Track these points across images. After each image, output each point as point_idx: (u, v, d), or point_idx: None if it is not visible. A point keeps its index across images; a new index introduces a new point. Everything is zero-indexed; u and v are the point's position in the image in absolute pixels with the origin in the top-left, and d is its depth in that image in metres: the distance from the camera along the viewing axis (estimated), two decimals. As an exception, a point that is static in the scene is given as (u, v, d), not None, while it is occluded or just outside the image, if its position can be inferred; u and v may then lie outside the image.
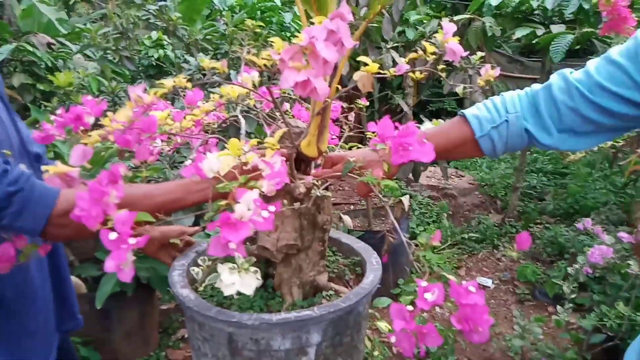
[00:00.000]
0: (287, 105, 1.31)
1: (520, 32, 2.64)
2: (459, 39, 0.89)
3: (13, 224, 0.61)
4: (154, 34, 3.76)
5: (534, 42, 2.76)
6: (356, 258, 1.09)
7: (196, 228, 1.01)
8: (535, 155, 4.49)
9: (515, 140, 0.85)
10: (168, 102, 1.18)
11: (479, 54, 1.16)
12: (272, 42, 0.61)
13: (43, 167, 0.65)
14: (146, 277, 1.79)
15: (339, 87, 0.83)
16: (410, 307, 0.59)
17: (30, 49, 2.64)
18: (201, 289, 0.82)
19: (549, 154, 4.47)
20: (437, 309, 0.62)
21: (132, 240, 0.57)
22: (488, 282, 2.73)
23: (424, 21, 3.16)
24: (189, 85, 0.76)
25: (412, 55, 0.87)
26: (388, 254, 0.86)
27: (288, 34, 3.05)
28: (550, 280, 2.53)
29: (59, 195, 0.65)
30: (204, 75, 2.30)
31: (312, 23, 0.59)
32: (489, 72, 0.89)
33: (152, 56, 3.73)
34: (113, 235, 0.56)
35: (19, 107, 2.61)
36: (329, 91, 0.53)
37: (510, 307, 2.52)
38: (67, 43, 3.13)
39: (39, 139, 0.87)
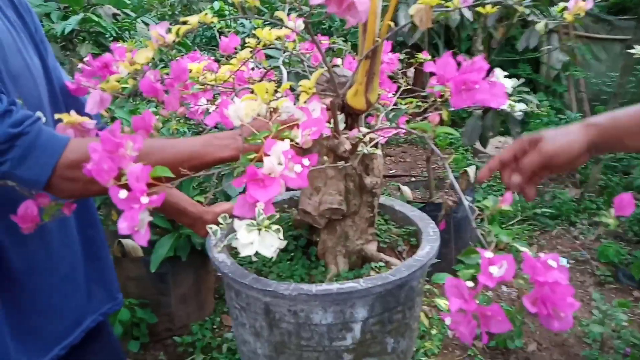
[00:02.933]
0: (338, 61, 1.20)
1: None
2: None
3: (14, 172, 0.56)
4: (216, 4, 3.74)
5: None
6: (411, 227, 0.98)
7: None
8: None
9: None
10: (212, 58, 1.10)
11: (562, 4, 0.98)
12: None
13: (56, 115, 0.59)
14: (200, 243, 1.78)
15: (392, 24, 0.70)
16: (470, 284, 0.48)
17: (97, 19, 2.69)
18: (218, 249, 0.75)
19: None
20: (504, 287, 0.50)
21: (144, 199, 0.50)
22: (563, 262, 2.49)
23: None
24: (215, 20, 0.67)
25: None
26: (446, 221, 0.73)
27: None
28: (637, 261, 2.26)
29: (68, 143, 0.59)
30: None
31: None
32: (580, 3, 0.72)
33: (214, 26, 3.73)
34: (123, 194, 0.49)
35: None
36: (368, 6, 0.42)
37: (588, 289, 2.28)
38: (132, 14, 3.17)
39: (72, 90, 0.83)
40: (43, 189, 0.59)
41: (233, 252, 0.88)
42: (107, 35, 2.79)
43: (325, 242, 0.85)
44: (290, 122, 0.57)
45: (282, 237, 0.47)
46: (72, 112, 0.61)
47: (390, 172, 3.90)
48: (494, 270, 0.46)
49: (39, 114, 0.65)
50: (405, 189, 2.34)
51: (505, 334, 1.83)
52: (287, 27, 0.69)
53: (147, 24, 3.08)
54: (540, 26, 0.80)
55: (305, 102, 0.57)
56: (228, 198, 1.77)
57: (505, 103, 0.55)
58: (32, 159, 0.56)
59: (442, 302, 1.61)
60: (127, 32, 3.05)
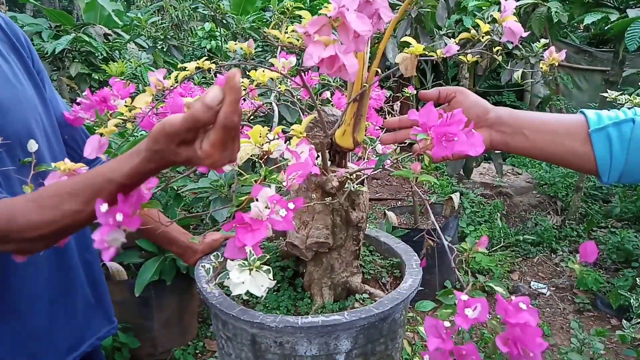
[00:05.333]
0: (327, 94, 1.24)
1: (590, 18, 2.42)
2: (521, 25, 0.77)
3: None
4: (207, 25, 3.81)
5: (606, 28, 2.52)
6: (395, 259, 1.01)
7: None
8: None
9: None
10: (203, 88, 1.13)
11: (543, 41, 1.04)
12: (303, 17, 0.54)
13: (52, 164, 0.60)
14: (185, 267, 1.79)
15: (379, 70, 0.75)
16: (447, 324, 0.51)
17: (87, 39, 2.73)
18: (209, 288, 0.77)
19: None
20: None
21: (119, 216, 0.50)
22: (543, 289, 2.54)
23: (483, 7, 2.98)
24: (213, 66, 0.70)
25: (464, 34, 0.77)
26: (431, 253, 0.77)
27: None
28: (615, 289, 2.31)
29: None
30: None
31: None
32: (554, 55, 0.78)
33: (205, 47, 3.78)
34: (104, 207, 0.50)
35: (75, 96, 2.70)
36: (357, 68, 0.45)
37: (567, 317, 2.32)
38: (123, 34, 3.21)
39: (69, 121, 0.85)
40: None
41: (220, 282, 0.90)
42: (97, 55, 2.83)
43: (312, 274, 0.88)
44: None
45: (272, 278, 0.49)
46: (66, 160, 0.62)
47: (377, 194, 3.95)
48: (469, 312, 0.49)
49: (31, 142, 0.67)
50: (391, 214, 2.38)
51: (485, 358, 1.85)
52: (281, 73, 0.73)
53: (138, 45, 3.12)
54: (517, 74, 0.85)
55: (295, 146, 0.60)
56: (215, 222, 1.78)
57: (482, 151, 0.59)
58: None
59: (424, 330, 1.62)
60: (117, 52, 3.09)
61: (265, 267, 0.49)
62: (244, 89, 0.80)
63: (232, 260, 0.50)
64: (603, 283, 2.48)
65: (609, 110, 0.69)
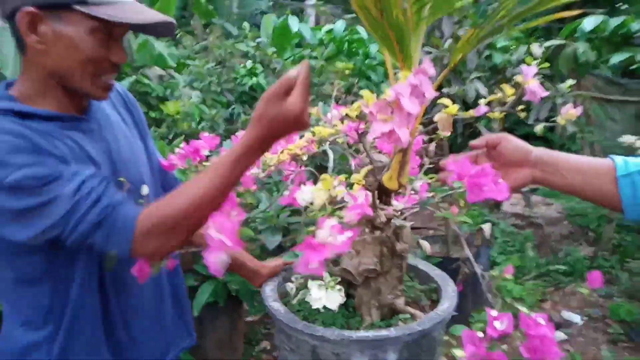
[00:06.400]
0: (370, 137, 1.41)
1: (617, 58, 2.54)
2: (549, 64, 0.92)
3: (105, 249, 0.76)
4: (249, 63, 4.07)
5: (632, 68, 2.62)
6: (432, 285, 1.15)
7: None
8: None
9: None
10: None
11: (569, 81, 1.16)
12: (361, 94, 0.71)
13: None
14: (235, 290, 1.96)
15: (421, 125, 0.91)
16: (481, 334, 0.65)
17: (146, 81, 3.01)
18: (294, 302, 0.93)
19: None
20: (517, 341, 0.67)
21: (227, 241, 0.68)
22: (576, 318, 2.59)
23: (512, 47, 3.12)
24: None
25: (492, 97, 0.93)
26: (464, 283, 0.91)
27: (374, 62, 3.16)
28: (648, 321, 2.35)
29: (139, 216, 0.75)
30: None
31: (398, 75, 0.69)
32: (570, 112, 0.92)
33: (246, 84, 4.04)
34: (216, 234, 0.68)
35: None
36: (409, 138, 0.62)
37: (600, 347, 2.37)
38: (175, 74, 3.50)
39: (165, 167, 1.04)
40: (130, 256, 0.76)
41: (284, 300, 1.06)
42: (153, 95, 3.11)
43: (362, 297, 1.03)
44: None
45: (343, 295, 0.65)
46: None
47: (410, 223, 4.05)
48: (497, 324, 0.63)
49: (144, 187, 0.86)
50: (425, 244, 2.48)
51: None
52: (342, 132, 0.91)
53: (191, 85, 3.40)
54: (539, 128, 0.99)
55: (356, 190, 0.76)
56: (264, 249, 1.95)
57: (507, 197, 0.74)
58: (114, 237, 0.75)
59: (458, 352, 1.73)
60: (169, 91, 3.37)
61: (338, 287, 0.65)
62: (306, 142, 0.98)
63: (313, 280, 0.67)
64: (637, 314, 2.51)
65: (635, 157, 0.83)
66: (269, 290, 1.09)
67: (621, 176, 0.79)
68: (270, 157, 1.06)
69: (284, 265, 1.15)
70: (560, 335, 2.47)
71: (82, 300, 0.86)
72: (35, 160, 0.74)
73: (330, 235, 0.68)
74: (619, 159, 0.81)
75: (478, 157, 0.89)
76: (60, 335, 0.86)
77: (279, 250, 1.78)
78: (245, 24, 3.86)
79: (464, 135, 3.19)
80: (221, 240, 0.68)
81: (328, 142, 1.12)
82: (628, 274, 2.94)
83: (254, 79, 4.04)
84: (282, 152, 1.02)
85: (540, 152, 0.86)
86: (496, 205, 2.13)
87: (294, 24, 3.73)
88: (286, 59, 2.69)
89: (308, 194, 0.76)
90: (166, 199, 0.77)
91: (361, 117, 0.75)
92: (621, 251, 3.21)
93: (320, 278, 0.69)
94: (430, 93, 0.69)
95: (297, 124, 0.69)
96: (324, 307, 1.03)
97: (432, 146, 1.46)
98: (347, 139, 1.26)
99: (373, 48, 3.18)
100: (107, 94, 0.87)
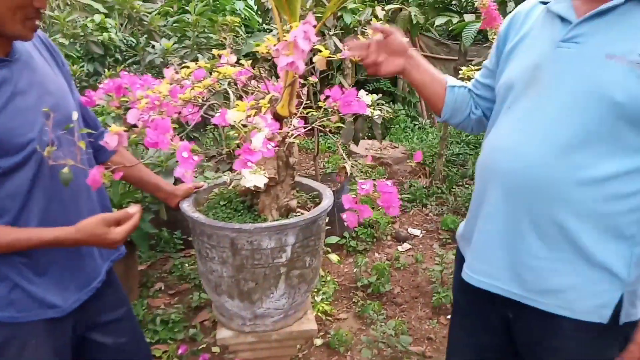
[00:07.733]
0: (254, 83, 1.68)
1: (439, 20, 3.13)
2: (391, 24, 1.28)
3: None
4: (97, 17, 3.85)
5: (449, 29, 3.26)
6: (314, 192, 1.50)
7: (203, 183, 1.40)
8: (458, 128, 5.10)
9: (461, 104, 1.24)
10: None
11: (405, 40, 1.57)
12: (267, 38, 0.98)
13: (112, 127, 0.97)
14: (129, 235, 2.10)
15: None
16: (353, 195, 1.00)
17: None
18: (230, 187, 1.20)
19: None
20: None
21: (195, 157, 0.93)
22: (417, 232, 3.26)
23: (360, 9, 3.57)
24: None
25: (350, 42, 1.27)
26: (329, 215, 1.25)
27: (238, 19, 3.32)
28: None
29: None
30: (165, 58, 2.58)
31: (286, 26, 0.97)
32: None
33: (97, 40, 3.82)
34: (185, 154, 0.91)
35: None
36: (304, 68, 0.91)
37: (434, 249, 3.05)
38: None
39: (84, 102, 1.19)
40: None
41: (199, 208, 1.31)
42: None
43: (264, 201, 1.33)
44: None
45: (266, 176, 0.94)
46: (113, 125, 1.00)
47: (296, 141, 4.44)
48: (365, 186, 0.98)
49: (74, 113, 1.02)
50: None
51: (377, 282, 2.46)
52: (246, 67, 1.17)
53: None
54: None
55: (264, 113, 1.04)
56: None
57: (366, 111, 1.09)
58: None
59: (333, 257, 2.16)
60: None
61: (262, 171, 0.94)
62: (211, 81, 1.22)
63: (244, 169, 0.94)
64: (459, 223, 3.26)
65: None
66: (187, 206, 1.32)
67: (449, 86, 1.23)
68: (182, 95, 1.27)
69: (194, 188, 1.39)
70: (406, 245, 3.10)
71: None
72: None
73: (261, 144, 0.96)
74: (450, 78, 1.27)
75: (370, 44, 1.20)
76: None
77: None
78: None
79: (322, 89, 3.60)
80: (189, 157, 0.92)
81: (227, 82, 1.37)
82: (454, 197, 3.73)
83: (105, 34, 3.84)
84: (192, 88, 1.24)
85: (413, 51, 1.25)
86: (354, 141, 2.58)
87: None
88: (155, 13, 2.71)
89: (233, 115, 1.02)
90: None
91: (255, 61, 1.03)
92: (449, 180, 4.02)
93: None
94: (314, 38, 1.00)
95: (108, 246, 1.03)
96: (234, 211, 1.32)
97: (304, 90, 1.80)
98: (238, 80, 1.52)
99: (239, 5, 3.35)
100: (33, 34, 1.01)
